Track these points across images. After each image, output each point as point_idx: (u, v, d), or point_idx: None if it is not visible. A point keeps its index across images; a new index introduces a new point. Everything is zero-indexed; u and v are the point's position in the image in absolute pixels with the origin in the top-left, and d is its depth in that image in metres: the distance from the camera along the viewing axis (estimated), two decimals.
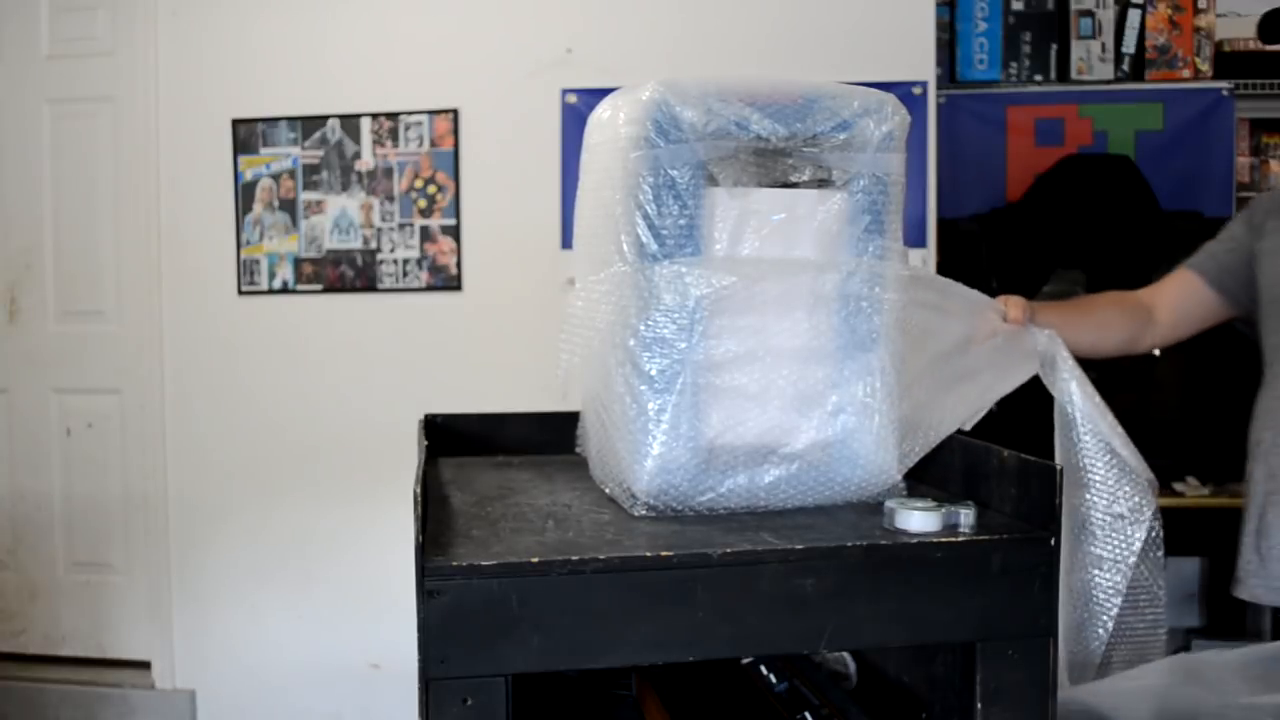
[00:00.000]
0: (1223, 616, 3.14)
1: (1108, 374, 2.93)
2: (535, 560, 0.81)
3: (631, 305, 0.97)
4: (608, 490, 1.05)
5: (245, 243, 3.14)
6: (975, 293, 1.37)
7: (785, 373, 0.99)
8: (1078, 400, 1.23)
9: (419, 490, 0.83)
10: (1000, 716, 0.89)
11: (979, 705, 0.89)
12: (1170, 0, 3.05)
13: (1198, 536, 2.72)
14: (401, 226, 3.05)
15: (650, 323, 0.96)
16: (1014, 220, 2.90)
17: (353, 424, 3.07)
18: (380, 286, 3.08)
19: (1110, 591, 1.20)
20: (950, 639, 0.90)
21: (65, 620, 3.32)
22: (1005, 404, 1.31)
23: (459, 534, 0.91)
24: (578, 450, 1.23)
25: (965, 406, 1.17)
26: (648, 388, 0.96)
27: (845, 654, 1.20)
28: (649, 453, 0.96)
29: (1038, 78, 3.10)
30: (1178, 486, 2.71)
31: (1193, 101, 3.07)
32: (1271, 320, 1.85)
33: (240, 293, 3.15)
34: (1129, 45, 3.08)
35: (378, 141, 3.06)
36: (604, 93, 1.12)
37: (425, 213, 3.04)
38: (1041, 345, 1.27)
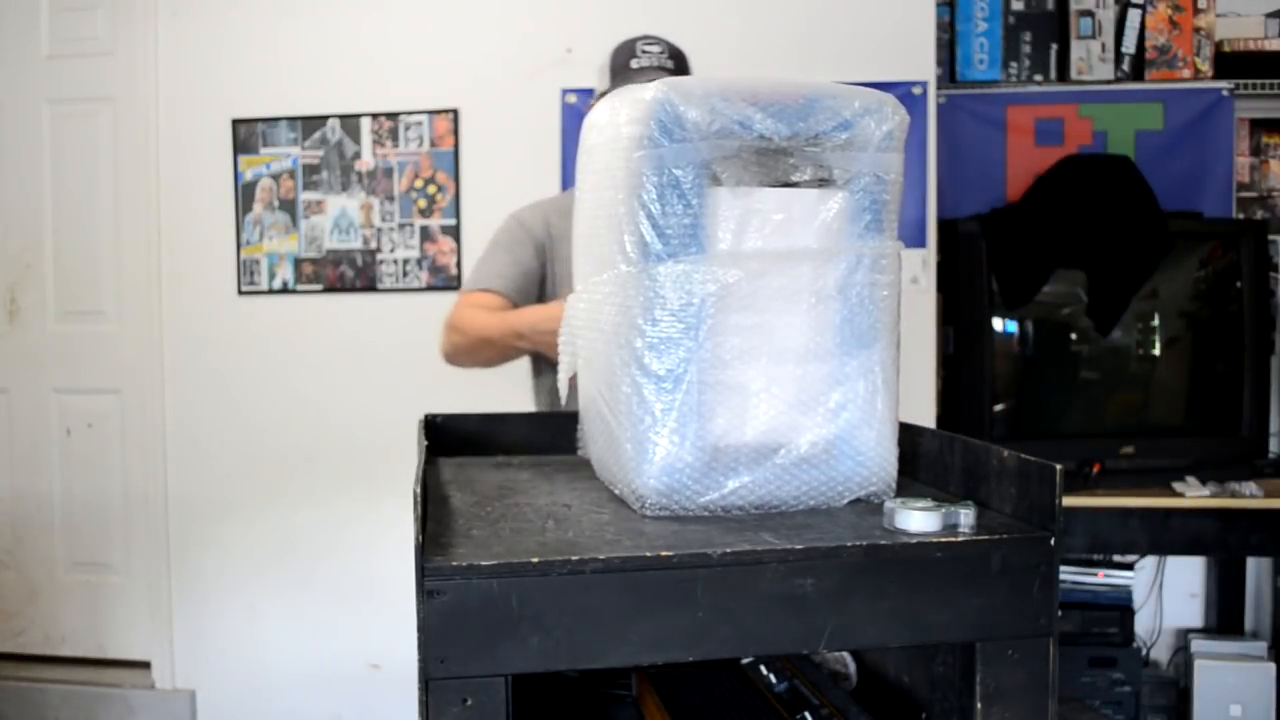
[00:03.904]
0: (1224, 616, 3.15)
1: (1109, 374, 2.95)
2: (535, 560, 0.81)
3: (636, 305, 0.97)
4: (616, 491, 1.05)
5: (245, 243, 3.14)
6: None
7: (790, 370, 1.00)
8: None
9: (419, 490, 0.83)
10: (1000, 716, 0.89)
11: (979, 705, 0.89)
12: (1170, 0, 3.05)
13: (1198, 537, 2.72)
14: (401, 226, 3.06)
15: (656, 322, 0.96)
16: (1014, 220, 2.90)
17: (353, 424, 3.07)
18: (380, 286, 3.08)
19: None
20: (950, 639, 0.90)
21: (65, 620, 3.32)
22: None
23: (459, 534, 0.91)
24: (579, 451, 1.23)
25: None
26: (655, 387, 0.96)
27: (845, 654, 1.20)
28: (656, 453, 0.96)
29: (1038, 78, 3.11)
30: (1177, 486, 2.71)
31: (1193, 101, 3.07)
32: None
33: (240, 293, 3.15)
34: (1129, 45, 3.08)
35: (378, 141, 3.06)
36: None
37: (425, 213, 3.04)
38: None
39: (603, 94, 2.05)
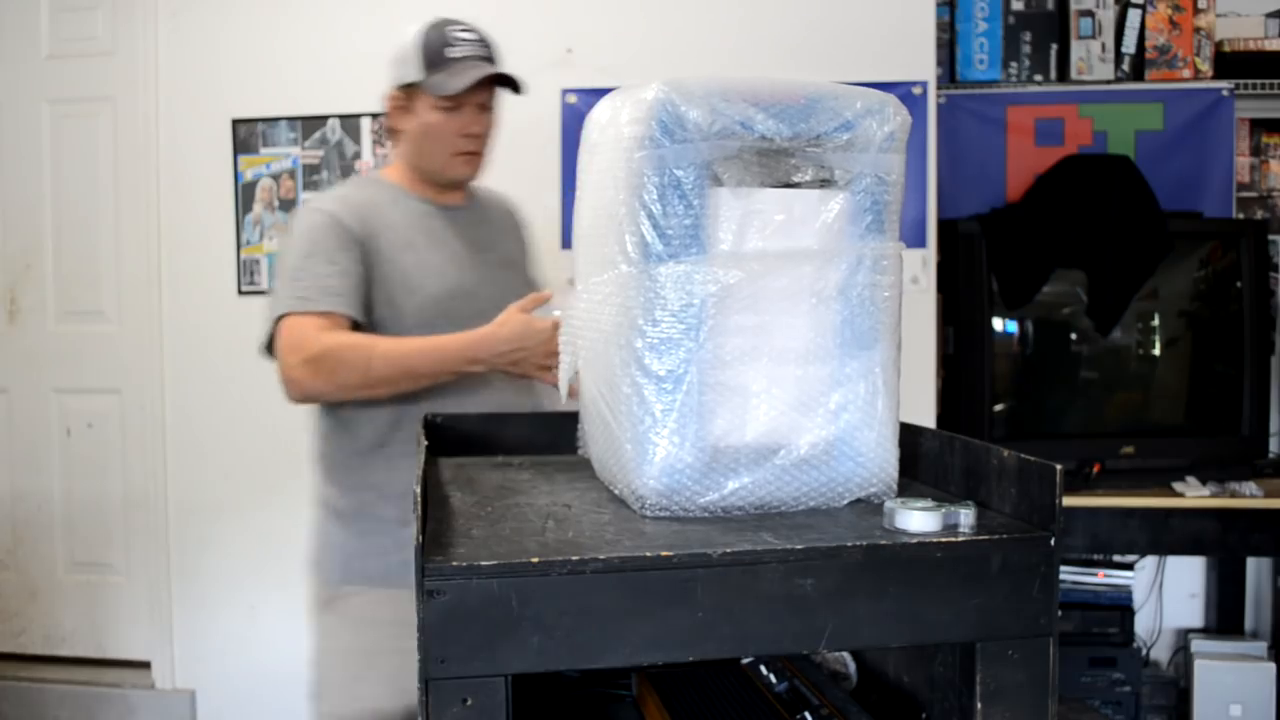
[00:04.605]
0: (1224, 616, 3.15)
1: (1109, 374, 2.95)
2: (535, 560, 0.81)
3: (637, 306, 0.97)
4: (616, 491, 1.05)
5: (245, 243, 3.14)
6: None
7: (790, 371, 1.00)
8: None
9: (419, 490, 0.83)
10: (1000, 716, 0.89)
11: (979, 705, 0.89)
12: (1170, 0, 3.05)
13: (1198, 537, 2.72)
14: None
15: (656, 323, 0.96)
16: (1014, 220, 2.90)
17: None
18: None
19: None
20: (950, 639, 0.90)
21: (65, 620, 3.32)
22: None
23: (459, 534, 0.91)
24: (579, 451, 1.23)
25: None
26: (655, 388, 0.96)
27: (845, 654, 1.20)
28: (656, 454, 0.96)
29: (1038, 78, 3.11)
30: (1177, 486, 2.71)
31: (1193, 101, 3.07)
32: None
33: (240, 293, 3.15)
34: (1129, 45, 3.09)
35: (378, 141, 3.06)
36: (604, 93, 1.12)
37: None
38: None
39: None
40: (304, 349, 1.70)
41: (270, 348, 1.79)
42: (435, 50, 1.82)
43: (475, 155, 1.90)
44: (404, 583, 1.82)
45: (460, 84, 1.80)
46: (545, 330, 1.74)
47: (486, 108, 1.88)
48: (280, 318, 1.74)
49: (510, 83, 1.87)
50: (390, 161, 2.02)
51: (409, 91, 1.85)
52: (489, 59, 1.86)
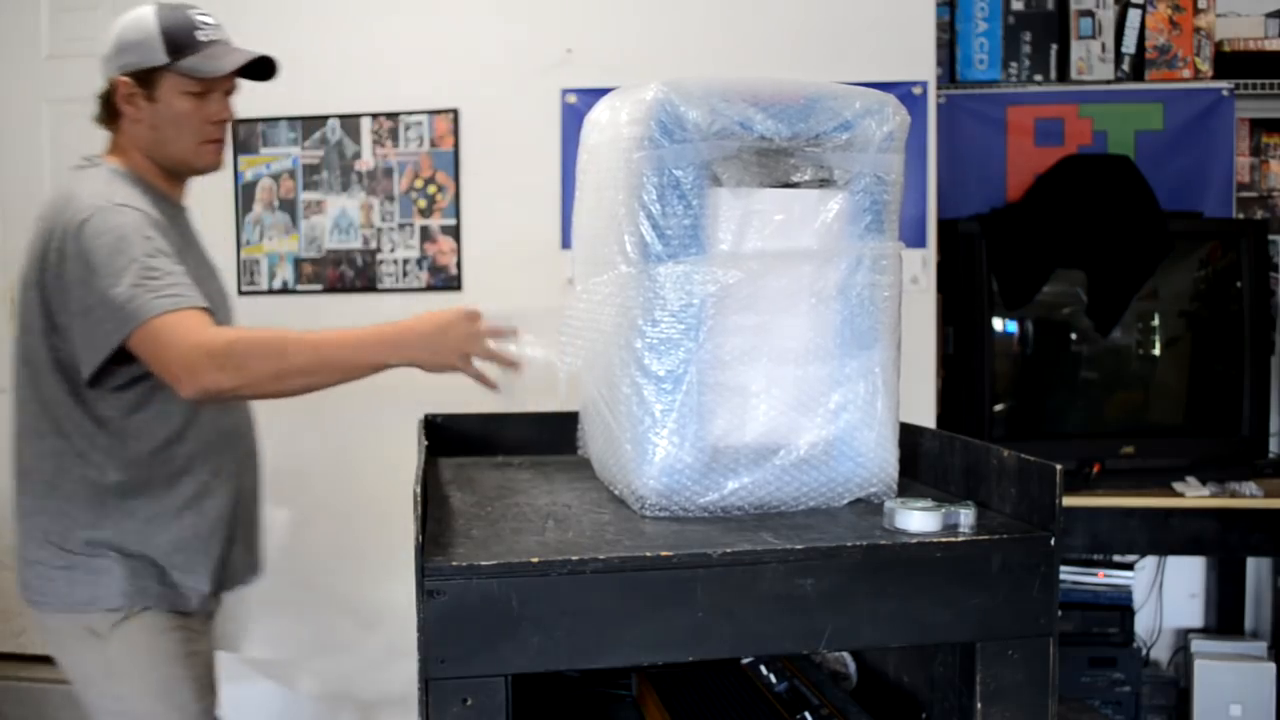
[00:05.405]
0: (1224, 616, 3.15)
1: (1109, 374, 2.95)
2: (535, 560, 0.81)
3: (637, 306, 0.97)
4: (616, 491, 1.05)
5: (245, 243, 3.14)
6: None
7: (790, 371, 1.00)
8: None
9: (419, 490, 0.83)
10: (1000, 716, 0.89)
11: (979, 705, 0.89)
12: (1170, 0, 3.05)
13: (1198, 537, 2.72)
14: (401, 226, 3.05)
15: (656, 323, 0.96)
16: (1014, 220, 2.90)
17: (352, 424, 3.07)
18: (380, 286, 3.07)
19: None
20: (950, 639, 0.90)
21: None
22: None
23: (459, 534, 0.91)
24: (579, 451, 1.23)
25: None
26: (655, 388, 0.96)
27: (845, 654, 1.20)
28: (656, 454, 0.96)
29: (1038, 78, 3.10)
30: (1177, 486, 2.71)
31: (1193, 101, 3.07)
32: None
33: (240, 293, 3.14)
34: (1129, 45, 3.08)
35: (378, 141, 3.06)
36: (604, 93, 1.13)
37: (425, 213, 3.04)
38: None
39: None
40: (203, 344, 1.56)
41: (106, 357, 1.64)
42: (182, 34, 1.74)
43: (220, 143, 1.84)
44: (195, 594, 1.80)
45: (226, 65, 1.74)
46: (462, 320, 1.64)
47: (231, 94, 1.83)
48: (148, 319, 1.58)
49: (265, 69, 1.82)
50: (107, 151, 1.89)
51: (148, 77, 1.76)
52: (230, 43, 1.80)
